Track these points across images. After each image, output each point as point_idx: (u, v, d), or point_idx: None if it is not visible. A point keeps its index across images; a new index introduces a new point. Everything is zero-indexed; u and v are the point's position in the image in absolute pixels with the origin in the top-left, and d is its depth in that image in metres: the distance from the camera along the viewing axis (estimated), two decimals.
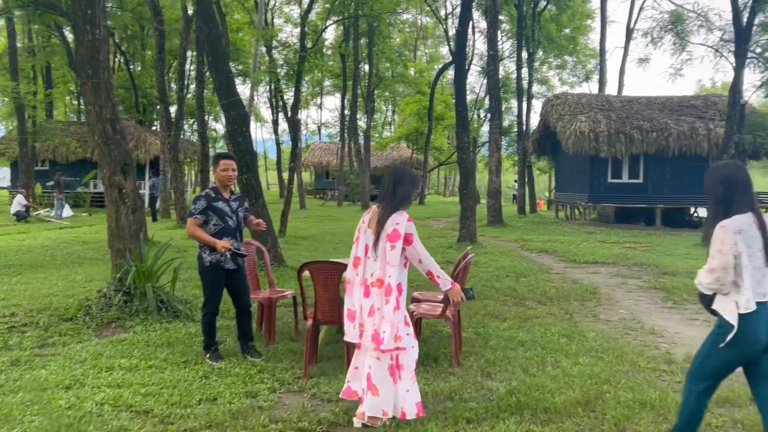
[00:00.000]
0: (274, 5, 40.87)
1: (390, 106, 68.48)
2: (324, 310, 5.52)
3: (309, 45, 17.94)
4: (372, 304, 4.38)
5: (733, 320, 3.43)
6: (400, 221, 4.34)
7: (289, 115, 20.92)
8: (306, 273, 5.59)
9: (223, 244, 5.54)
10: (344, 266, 5.44)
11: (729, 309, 3.48)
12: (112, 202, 7.50)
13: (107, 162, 7.39)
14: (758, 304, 3.43)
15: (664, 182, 21.60)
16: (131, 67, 37.45)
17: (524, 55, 27.86)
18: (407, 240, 4.34)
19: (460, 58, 15.17)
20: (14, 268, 11.94)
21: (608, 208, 22.24)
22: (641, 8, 30.31)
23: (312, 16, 28.06)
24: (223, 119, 10.87)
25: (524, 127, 27.26)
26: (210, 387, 5.09)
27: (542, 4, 28.75)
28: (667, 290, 9.85)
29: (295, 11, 45.17)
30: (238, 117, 10.55)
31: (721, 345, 3.50)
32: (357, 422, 4.36)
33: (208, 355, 5.82)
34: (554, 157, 26.95)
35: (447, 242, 15.78)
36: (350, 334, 4.52)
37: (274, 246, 10.94)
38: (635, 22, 30.67)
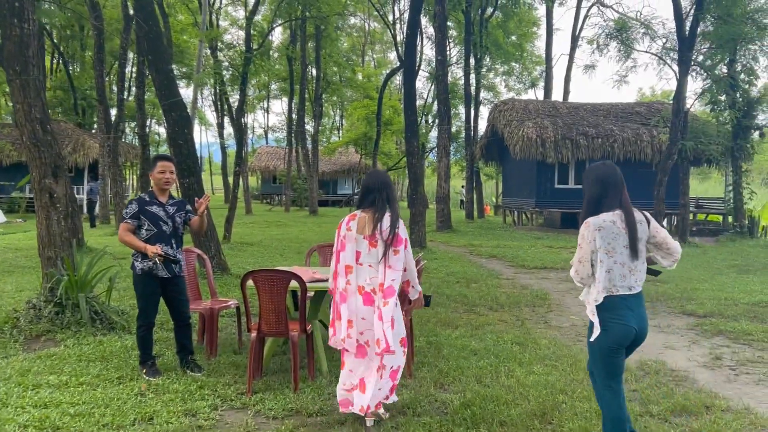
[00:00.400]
0: (219, 7, 40.22)
1: (338, 110, 68.22)
2: (269, 321, 5.24)
3: (255, 46, 17.56)
4: (376, 310, 4.31)
5: (589, 311, 3.68)
6: (400, 226, 4.37)
7: (235, 118, 20.43)
8: (250, 282, 5.30)
9: (153, 249, 5.22)
10: (290, 275, 5.20)
11: (588, 300, 3.72)
12: (43, 208, 7.05)
13: (37, 165, 6.94)
14: (625, 296, 3.62)
15: None
16: (70, 68, 36.23)
17: (472, 61, 28.01)
18: (405, 245, 4.38)
19: (409, 63, 15.05)
20: None
21: (555, 214, 22.47)
22: (586, 16, 30.88)
23: (258, 17, 27.68)
24: (165, 122, 10.44)
25: (472, 132, 27.39)
26: (146, 405, 4.75)
27: (489, 10, 29.00)
28: None
29: (241, 13, 44.60)
30: (180, 119, 10.15)
31: (591, 337, 3.69)
32: (369, 421, 4.35)
33: (144, 370, 5.47)
34: (501, 163, 27.16)
35: None
36: (346, 343, 4.41)
37: (218, 253, 10.56)
38: (580, 30, 31.26)
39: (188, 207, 5.81)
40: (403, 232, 4.37)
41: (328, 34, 32.44)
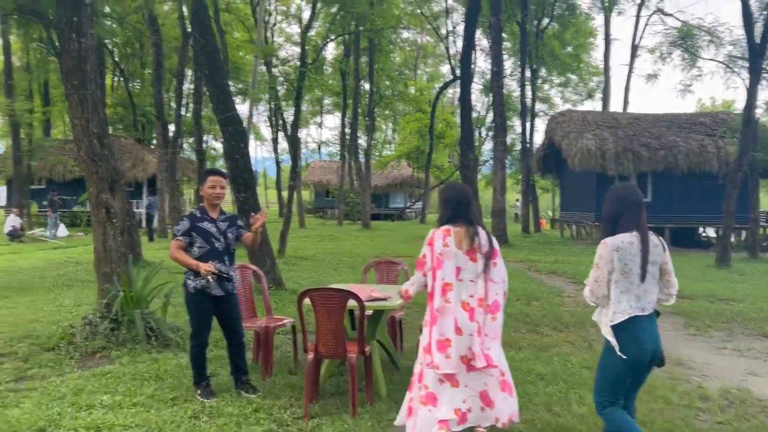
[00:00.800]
0: (274, 24, 40.69)
1: (390, 124, 68.23)
2: (327, 342, 5.00)
3: (309, 61, 17.56)
4: (479, 325, 4.14)
5: (606, 333, 3.67)
6: (493, 238, 4.33)
7: (289, 132, 20.49)
8: (307, 300, 5.08)
9: (206, 267, 5.05)
10: (348, 293, 4.96)
11: (603, 322, 3.72)
12: (99, 223, 7.01)
13: (94, 179, 6.90)
14: (639, 317, 3.62)
15: (673, 201, 21.10)
16: (130, 85, 37.16)
17: (527, 73, 27.51)
18: (500, 256, 4.34)
19: (465, 75, 14.76)
20: (1, 291, 11.43)
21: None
22: (646, 25, 29.97)
23: (312, 33, 27.81)
24: (222, 136, 10.39)
25: (528, 145, 26.83)
26: (200, 429, 4.56)
27: (545, 21, 28.49)
28: (688, 315, 9.34)
29: (294, 29, 45.07)
30: (236, 133, 10.09)
31: (611, 357, 3.66)
32: None
33: (198, 391, 5.30)
34: (559, 175, 26.50)
35: None
36: (444, 364, 4.07)
37: (273, 268, 10.42)
38: (640, 39, 30.39)
39: (240, 222, 5.64)
40: (496, 244, 4.31)
41: (381, 48, 32.41)
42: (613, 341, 3.61)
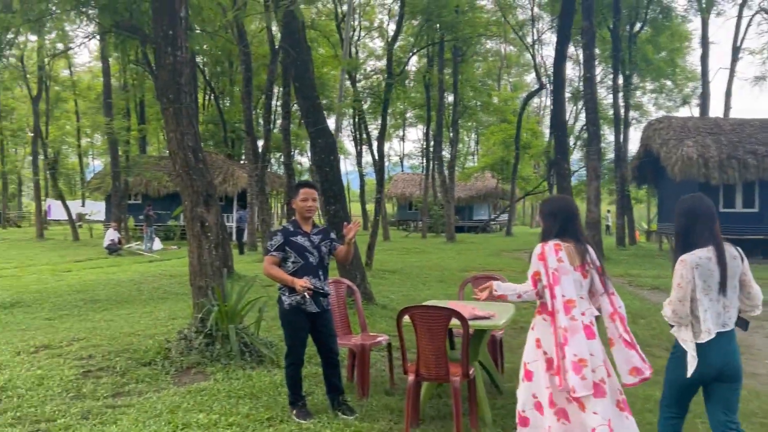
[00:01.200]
0: (358, 39, 41.06)
1: (473, 135, 67.54)
2: (428, 364, 4.70)
3: (396, 72, 17.45)
4: (616, 342, 3.90)
5: (691, 349, 3.56)
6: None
7: (375, 144, 20.40)
8: (406, 318, 4.79)
9: (301, 283, 4.85)
10: (453, 312, 4.65)
11: (686, 338, 3.60)
12: (194, 237, 6.97)
13: (189, 193, 6.88)
14: (720, 333, 3.55)
15: None
16: (220, 103, 38.25)
17: (619, 79, 26.46)
18: None
19: (557, 81, 14.21)
20: (100, 303, 11.73)
21: None
22: (748, 26, 28.29)
23: (395, 46, 27.78)
24: (309, 150, 10.32)
25: (622, 154, 25.75)
26: None
27: (638, 25, 27.35)
28: None
29: (377, 43, 45.29)
30: (326, 145, 9.98)
31: (682, 373, 3.61)
32: None
33: (294, 412, 5.09)
34: (656, 185, 25.24)
35: None
36: (580, 387, 3.69)
37: (363, 282, 10.22)
38: (742, 41, 28.66)
39: (333, 235, 5.44)
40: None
41: (465, 58, 31.97)
42: (694, 361, 3.54)
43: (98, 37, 9.25)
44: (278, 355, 6.89)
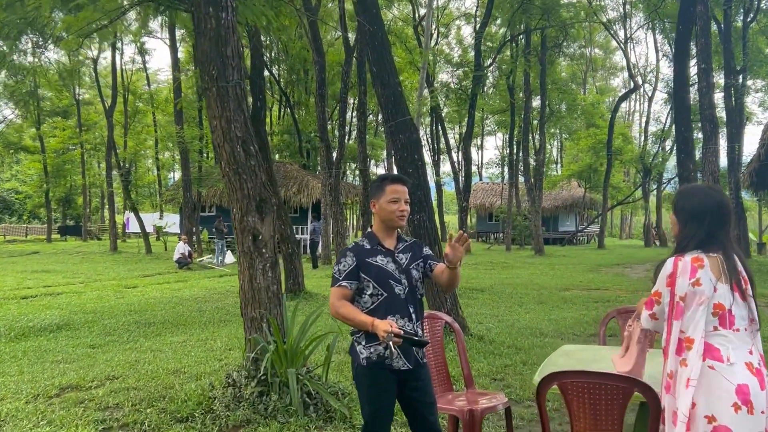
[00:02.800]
0: (435, 44, 39.34)
1: (555, 143, 64.57)
2: None
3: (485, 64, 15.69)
4: None
5: None
6: None
7: (454, 151, 18.58)
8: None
9: (385, 327, 3.13)
10: (632, 382, 2.86)
11: None
12: (245, 254, 5.41)
13: (237, 198, 5.33)
14: None
15: None
16: (295, 113, 37.37)
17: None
18: None
19: (679, 67, 12.09)
20: (154, 327, 10.45)
21: None
22: None
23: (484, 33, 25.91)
24: (386, 152, 8.64)
25: (736, 157, 23.01)
26: None
27: (749, 15, 24.54)
28: None
29: (456, 52, 43.50)
30: (409, 141, 8.29)
31: None
32: None
33: None
34: None
35: None
36: None
37: (455, 307, 8.43)
38: None
39: (427, 250, 3.66)
40: None
41: (551, 59, 29.63)
42: None
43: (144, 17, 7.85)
44: (352, 408, 5.23)
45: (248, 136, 5.32)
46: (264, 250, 5.37)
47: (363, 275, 3.40)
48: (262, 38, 36.60)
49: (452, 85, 25.47)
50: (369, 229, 3.58)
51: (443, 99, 31.34)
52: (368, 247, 3.48)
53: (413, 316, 3.43)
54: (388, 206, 3.45)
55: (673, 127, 36.89)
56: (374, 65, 8.08)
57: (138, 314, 11.96)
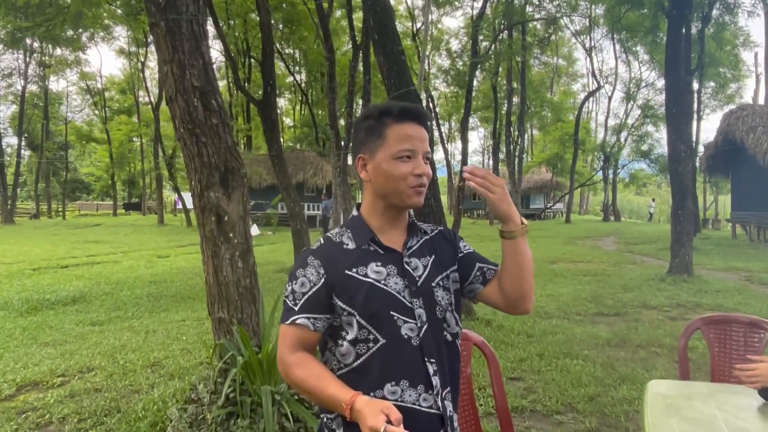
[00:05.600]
0: (429, 54, 36.69)
1: (526, 135, 62.10)
2: None
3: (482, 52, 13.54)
4: None
5: None
6: None
7: (460, 129, 16.42)
8: None
9: (374, 422, 1.13)
10: None
11: None
12: (208, 240, 3.32)
13: (196, 167, 3.24)
14: None
15: None
16: (313, 110, 35.09)
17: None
18: None
19: (673, 54, 9.87)
20: (163, 300, 8.47)
21: None
22: None
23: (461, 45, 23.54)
24: None
25: (694, 145, 20.73)
26: None
27: (699, 24, 22.02)
28: None
29: (446, 62, 40.97)
30: None
31: None
32: None
33: None
34: (732, 174, 20.05)
35: (652, 273, 10.32)
36: None
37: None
38: None
39: (466, 247, 1.51)
40: None
41: (528, 66, 27.30)
42: None
43: None
44: None
45: (209, 87, 3.21)
46: (232, 235, 3.29)
47: (339, 303, 1.33)
48: (287, 49, 34.36)
49: (451, 72, 23.11)
50: (355, 212, 1.46)
51: (442, 85, 29.04)
52: (351, 246, 1.39)
53: (434, 381, 1.35)
54: (395, 167, 1.35)
55: (629, 120, 34.83)
56: (376, 32, 5.92)
57: (156, 285, 9.97)
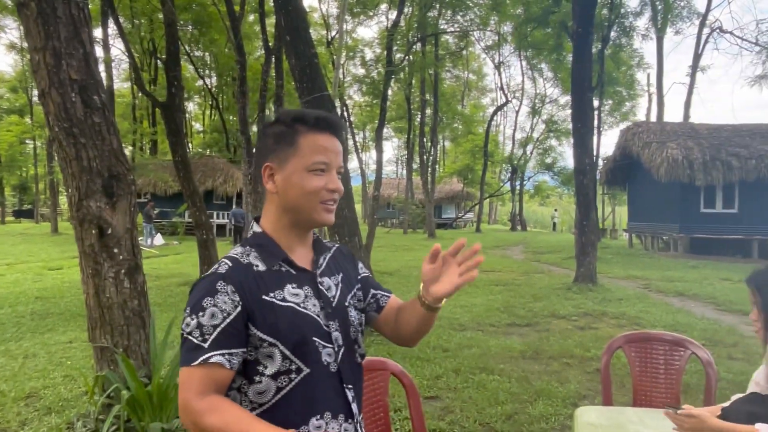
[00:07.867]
0: (343, 62, 36.69)
1: (438, 146, 63.71)
2: None
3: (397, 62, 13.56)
4: None
5: None
6: None
7: (374, 138, 16.33)
8: None
9: None
10: None
11: None
12: (87, 256, 2.88)
13: (73, 171, 2.80)
14: None
15: (763, 212, 15.97)
16: (223, 115, 33.87)
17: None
18: None
19: (580, 68, 10.34)
20: (50, 319, 7.63)
21: (700, 239, 16.66)
22: (706, 42, 24.46)
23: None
24: None
25: (595, 159, 22.00)
26: None
27: (600, 44, 23.60)
28: None
29: (360, 71, 41.15)
30: None
31: None
32: None
33: None
34: (629, 186, 21.46)
35: (559, 282, 10.72)
36: None
37: None
38: (701, 56, 24.68)
39: (362, 269, 1.40)
40: None
41: (441, 79, 27.93)
42: None
43: None
44: None
45: (91, 80, 2.79)
46: (117, 250, 2.88)
47: (259, 333, 1.12)
48: (197, 52, 32.95)
49: (366, 81, 23.07)
50: (256, 227, 1.24)
51: (357, 95, 29.00)
52: (261, 267, 1.17)
53: (353, 408, 1.18)
54: (307, 180, 1.18)
55: (534, 134, 36.65)
56: (288, 34, 5.63)
57: (43, 301, 8.99)
